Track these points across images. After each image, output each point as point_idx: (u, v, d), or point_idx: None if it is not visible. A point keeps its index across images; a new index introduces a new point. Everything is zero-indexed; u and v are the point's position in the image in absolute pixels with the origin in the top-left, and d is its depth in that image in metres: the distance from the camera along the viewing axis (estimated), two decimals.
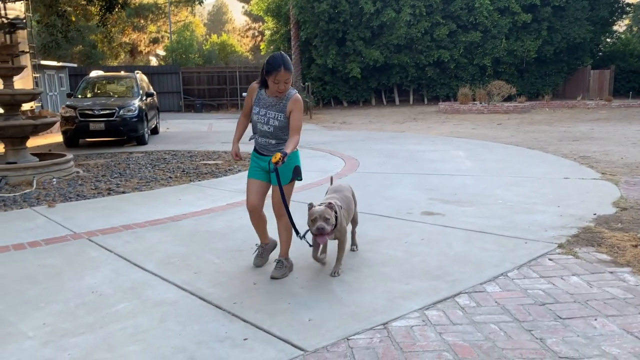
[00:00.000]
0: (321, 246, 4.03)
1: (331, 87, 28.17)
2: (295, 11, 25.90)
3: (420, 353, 2.71)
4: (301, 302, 3.37)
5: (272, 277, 3.78)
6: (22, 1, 16.11)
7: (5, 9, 13.12)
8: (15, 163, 8.23)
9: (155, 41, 45.15)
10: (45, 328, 3.10)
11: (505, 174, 7.59)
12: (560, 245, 4.29)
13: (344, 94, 28.49)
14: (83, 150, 12.13)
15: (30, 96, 9.12)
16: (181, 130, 17.21)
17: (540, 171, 7.75)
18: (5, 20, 9.49)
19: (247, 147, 4.47)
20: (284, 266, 3.84)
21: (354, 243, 4.39)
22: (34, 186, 7.46)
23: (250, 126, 3.99)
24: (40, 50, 20.18)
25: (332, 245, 4.16)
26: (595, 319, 3.03)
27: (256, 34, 50.73)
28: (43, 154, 9.37)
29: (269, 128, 3.74)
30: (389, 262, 4.05)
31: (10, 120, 8.36)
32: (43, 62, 21.56)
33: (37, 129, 8.86)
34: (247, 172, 3.76)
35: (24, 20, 14.63)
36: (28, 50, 16.44)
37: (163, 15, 42.76)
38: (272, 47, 30.34)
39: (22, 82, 15.75)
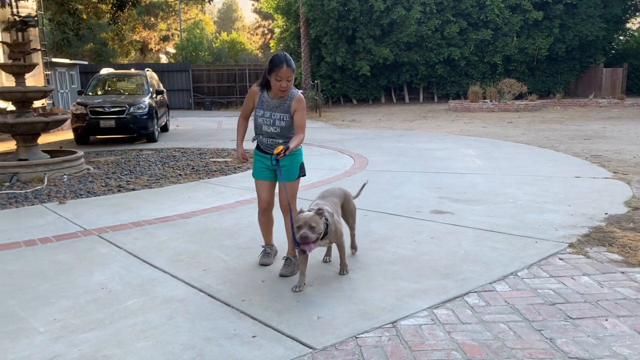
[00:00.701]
0: (325, 249, 4.05)
1: (340, 85, 28.11)
2: (305, 9, 25.87)
3: (428, 352, 2.70)
4: (310, 300, 3.37)
5: (281, 275, 3.79)
6: None
7: (17, 7, 13.24)
8: (26, 160, 8.30)
9: (165, 39, 45.32)
10: (55, 323, 3.13)
11: (516, 173, 7.54)
12: (571, 245, 4.26)
13: (354, 92, 28.42)
14: (93, 147, 12.21)
15: (42, 93, 9.19)
16: (191, 128, 17.27)
17: (551, 170, 7.69)
18: (17, 18, 9.56)
19: (248, 146, 4.46)
20: (292, 264, 3.85)
21: (353, 246, 4.20)
22: (45, 183, 7.51)
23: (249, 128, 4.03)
24: (52, 48, 20.34)
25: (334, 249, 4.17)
26: (606, 320, 3.00)
27: (266, 31, 50.77)
28: (54, 151, 9.45)
29: (276, 129, 3.79)
30: (398, 261, 4.04)
31: (22, 118, 8.43)
32: (54, 60, 21.70)
33: (48, 126, 8.93)
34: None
35: (36, 18, 14.76)
36: (40, 47, 16.56)
37: (173, 13, 42.90)
38: (281, 44, 30.34)
39: (34, 79, 15.87)
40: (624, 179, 6.85)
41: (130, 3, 14.97)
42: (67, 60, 24.16)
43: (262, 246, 4.18)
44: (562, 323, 2.97)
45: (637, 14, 30.70)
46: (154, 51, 45.44)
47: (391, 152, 10.02)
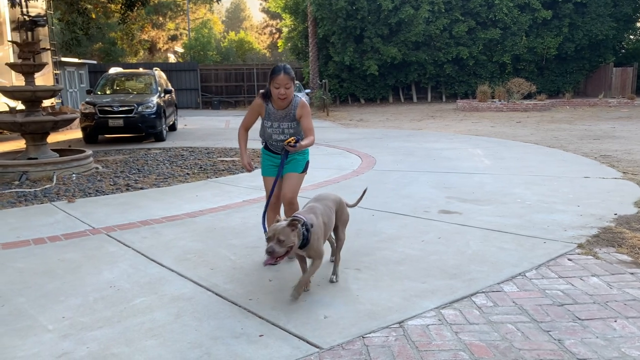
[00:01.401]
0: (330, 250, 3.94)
1: (348, 85, 28.10)
2: (313, 8, 25.88)
3: (436, 352, 2.69)
4: (317, 300, 3.37)
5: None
6: None
7: (27, 6, 13.32)
8: (36, 159, 8.36)
9: (173, 38, 45.49)
10: (64, 321, 3.14)
11: (524, 173, 7.50)
12: (579, 246, 4.23)
13: (361, 92, 28.40)
14: (102, 146, 12.27)
15: (51, 93, 9.25)
16: (199, 127, 17.32)
17: (560, 170, 7.65)
18: (27, 18, 9.62)
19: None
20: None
21: (334, 272, 3.69)
22: (54, 182, 7.56)
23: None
24: (61, 48, 20.46)
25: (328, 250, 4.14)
26: (615, 321, 2.98)
27: (274, 31, 50.82)
28: (63, 150, 9.51)
29: (285, 136, 3.94)
30: (406, 261, 4.03)
31: (32, 117, 8.48)
32: (63, 59, 21.84)
33: (57, 125, 8.98)
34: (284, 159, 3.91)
35: (45, 18, 14.83)
36: (49, 47, 16.66)
37: (181, 13, 43.04)
38: (289, 44, 30.39)
39: (43, 78, 15.97)
40: (634, 179, 6.80)
41: (139, 3, 15.04)
42: (76, 60, 24.31)
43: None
44: (570, 324, 2.96)
45: None
46: (162, 50, 45.62)
47: (399, 152, 10.00)
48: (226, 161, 9.40)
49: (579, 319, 3.02)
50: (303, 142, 3.74)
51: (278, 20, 42.21)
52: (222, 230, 4.99)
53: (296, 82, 23.60)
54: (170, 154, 10.61)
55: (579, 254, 4.07)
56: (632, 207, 5.39)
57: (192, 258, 4.21)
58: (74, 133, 14.96)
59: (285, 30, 31.63)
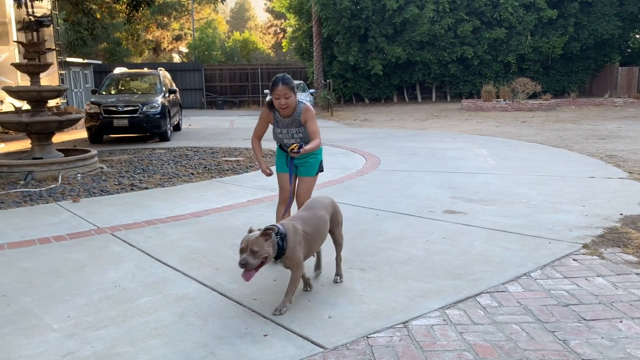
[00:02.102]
0: (315, 260, 3.81)
1: (352, 84, 28.08)
2: (317, 8, 25.88)
3: (440, 352, 2.69)
4: (321, 300, 3.37)
5: None
6: None
7: (32, 7, 13.38)
8: (41, 158, 8.39)
9: (178, 38, 45.59)
10: (69, 321, 3.15)
11: (529, 173, 7.48)
12: (585, 246, 4.22)
13: (366, 91, 28.38)
14: (107, 146, 12.31)
15: (56, 93, 9.28)
16: (203, 127, 17.35)
17: (565, 170, 7.62)
18: (32, 18, 9.67)
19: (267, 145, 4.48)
20: None
21: (338, 273, 3.67)
22: (59, 181, 7.59)
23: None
24: (66, 48, 20.53)
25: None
26: (621, 321, 2.97)
27: (278, 31, 50.84)
28: (68, 150, 9.54)
29: (295, 140, 4.10)
30: (410, 261, 4.02)
31: (37, 117, 8.52)
32: (68, 59, 21.92)
33: (63, 125, 9.02)
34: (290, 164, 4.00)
35: (50, 18, 14.90)
36: (54, 47, 16.73)
37: (186, 13, 43.14)
38: (293, 43, 30.38)
39: (49, 78, 16.04)
40: None
41: (144, 3, 15.07)
42: (81, 60, 24.39)
43: None
44: (575, 324, 2.94)
45: None
46: (166, 50, 45.73)
47: (403, 152, 9.99)
48: (230, 161, 9.41)
49: (584, 319, 3.00)
50: (307, 147, 3.84)
51: (282, 20, 42.23)
52: (227, 230, 5.00)
53: (300, 82, 23.47)
54: (174, 153, 10.63)
55: (584, 254, 4.05)
56: (637, 207, 5.37)
57: (196, 258, 4.22)
58: (79, 133, 15.01)
59: (289, 30, 31.65)
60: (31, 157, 8.58)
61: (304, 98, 18.85)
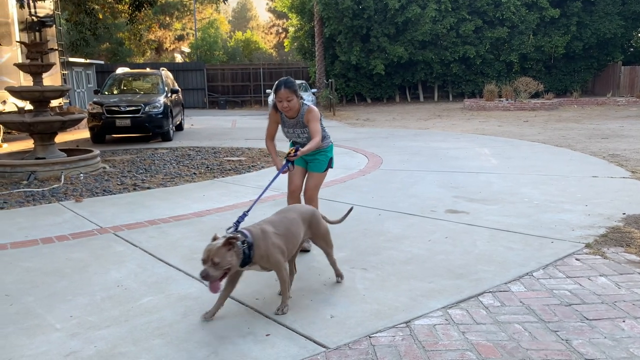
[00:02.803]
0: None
1: (354, 84, 28.07)
2: (319, 7, 25.86)
3: (442, 352, 2.69)
4: (323, 299, 3.37)
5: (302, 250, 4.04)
6: None
7: (35, 7, 13.39)
8: (44, 158, 8.41)
9: (180, 38, 45.61)
10: (72, 320, 3.16)
11: (532, 172, 7.47)
12: (587, 245, 4.21)
13: (368, 91, 28.36)
14: (109, 146, 12.33)
15: (59, 93, 9.30)
16: (205, 127, 17.36)
17: (568, 169, 7.61)
18: (34, 19, 9.68)
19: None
20: (309, 241, 4.19)
21: (337, 274, 3.64)
22: (62, 181, 7.60)
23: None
24: (69, 48, 20.56)
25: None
26: (623, 321, 2.96)
27: (280, 30, 50.84)
28: (71, 150, 9.56)
29: (302, 139, 4.29)
30: (412, 260, 4.02)
31: (40, 117, 8.53)
32: (71, 59, 21.95)
33: (65, 125, 9.03)
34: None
35: (53, 18, 14.91)
36: (57, 47, 16.75)
37: (188, 13, 43.16)
38: (295, 43, 30.38)
39: (51, 79, 16.06)
40: None
41: (147, 3, 15.08)
42: (83, 60, 24.43)
43: None
44: (578, 324, 2.94)
45: None
46: (169, 50, 45.76)
47: (405, 151, 9.98)
48: (233, 161, 9.42)
49: (587, 319, 3.00)
50: (303, 149, 3.94)
51: (284, 20, 42.23)
52: None
53: (302, 81, 23.47)
54: (177, 153, 10.64)
55: (587, 253, 4.04)
56: None
57: (199, 257, 4.20)
58: (82, 133, 15.03)
59: (291, 29, 31.63)
60: (34, 157, 8.59)
61: (306, 98, 18.86)
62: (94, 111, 12.47)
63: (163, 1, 34.91)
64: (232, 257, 2.93)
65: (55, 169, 8.01)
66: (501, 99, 22.18)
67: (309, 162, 4.37)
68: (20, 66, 9.11)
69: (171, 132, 13.31)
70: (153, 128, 12.63)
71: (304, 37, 29.43)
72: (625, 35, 27.68)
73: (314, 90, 24.44)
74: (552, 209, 5.37)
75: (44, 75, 9.08)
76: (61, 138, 12.74)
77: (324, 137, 4.33)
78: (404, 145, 11.00)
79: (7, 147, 11.93)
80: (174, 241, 4.68)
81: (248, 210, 3.44)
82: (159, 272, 3.93)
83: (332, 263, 3.63)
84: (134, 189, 7.13)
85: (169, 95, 13.76)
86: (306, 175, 4.42)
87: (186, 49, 43.60)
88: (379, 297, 3.38)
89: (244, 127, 16.86)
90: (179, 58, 45.74)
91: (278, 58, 44.86)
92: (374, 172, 7.84)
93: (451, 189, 6.54)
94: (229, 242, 2.93)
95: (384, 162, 8.81)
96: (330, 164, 4.43)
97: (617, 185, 6.47)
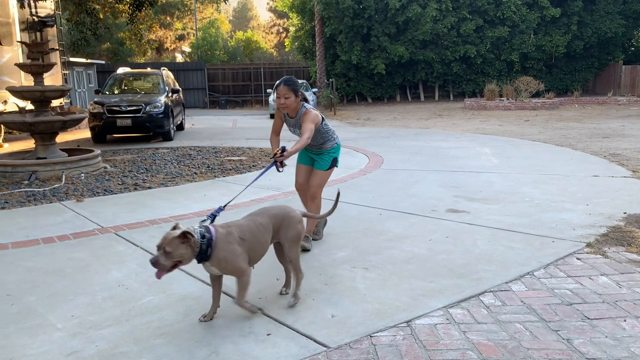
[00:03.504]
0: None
1: (355, 84, 28.06)
2: (320, 7, 25.86)
3: (443, 351, 2.69)
4: (324, 299, 3.37)
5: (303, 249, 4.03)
6: None
7: (35, 7, 13.40)
8: (44, 158, 8.41)
9: (181, 38, 45.60)
10: (73, 320, 3.16)
11: (533, 172, 7.46)
12: (588, 245, 4.21)
13: (368, 91, 28.35)
14: (110, 145, 12.33)
15: (60, 93, 9.30)
16: (206, 127, 17.36)
17: (569, 169, 7.60)
18: (35, 19, 9.69)
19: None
20: (309, 240, 4.36)
21: (293, 294, 3.32)
22: (63, 181, 7.61)
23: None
24: (70, 48, 20.57)
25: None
26: (625, 320, 2.96)
27: (281, 30, 50.83)
28: (71, 150, 9.57)
29: None
30: (413, 260, 4.02)
31: (40, 117, 8.53)
32: (72, 59, 21.96)
33: (66, 125, 9.04)
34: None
35: (54, 18, 14.92)
36: (57, 47, 16.77)
37: (189, 12, 43.13)
38: (296, 43, 30.37)
39: (52, 78, 16.07)
40: None
41: (147, 3, 15.09)
42: (84, 60, 24.43)
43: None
44: (579, 323, 2.94)
45: None
46: (169, 50, 45.75)
47: (406, 151, 9.98)
48: (234, 160, 9.42)
49: (588, 318, 3.00)
50: (291, 149, 3.90)
51: (285, 20, 42.21)
52: None
53: (303, 81, 23.49)
54: (177, 153, 10.64)
55: (587, 253, 4.04)
56: None
57: None
58: (83, 133, 15.04)
59: (292, 29, 31.61)
60: (35, 157, 8.60)
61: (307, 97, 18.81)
62: (95, 111, 12.48)
63: (164, 1, 34.91)
64: (186, 250, 2.86)
65: (56, 169, 8.01)
66: (502, 99, 22.17)
67: (315, 161, 4.50)
68: (21, 66, 9.12)
69: (172, 131, 13.32)
70: (154, 128, 12.63)
71: (305, 36, 29.42)
72: (626, 34, 27.66)
73: (314, 89, 24.43)
74: (553, 209, 5.36)
75: (45, 75, 9.08)
76: (62, 138, 12.75)
77: (330, 139, 4.43)
78: (405, 144, 11.00)
79: (8, 147, 11.95)
80: None
81: (225, 205, 3.43)
82: None
83: (295, 275, 3.35)
84: (135, 189, 7.14)
85: (170, 95, 13.77)
86: (311, 175, 4.54)
87: (187, 49, 43.62)
88: (380, 296, 3.38)
89: (245, 127, 16.87)
90: (179, 58, 45.75)
91: (279, 58, 44.84)
92: (375, 172, 7.84)
93: (452, 188, 6.53)
94: (184, 235, 2.87)
95: (385, 161, 8.81)
96: (335, 163, 4.51)
97: (618, 184, 6.46)
